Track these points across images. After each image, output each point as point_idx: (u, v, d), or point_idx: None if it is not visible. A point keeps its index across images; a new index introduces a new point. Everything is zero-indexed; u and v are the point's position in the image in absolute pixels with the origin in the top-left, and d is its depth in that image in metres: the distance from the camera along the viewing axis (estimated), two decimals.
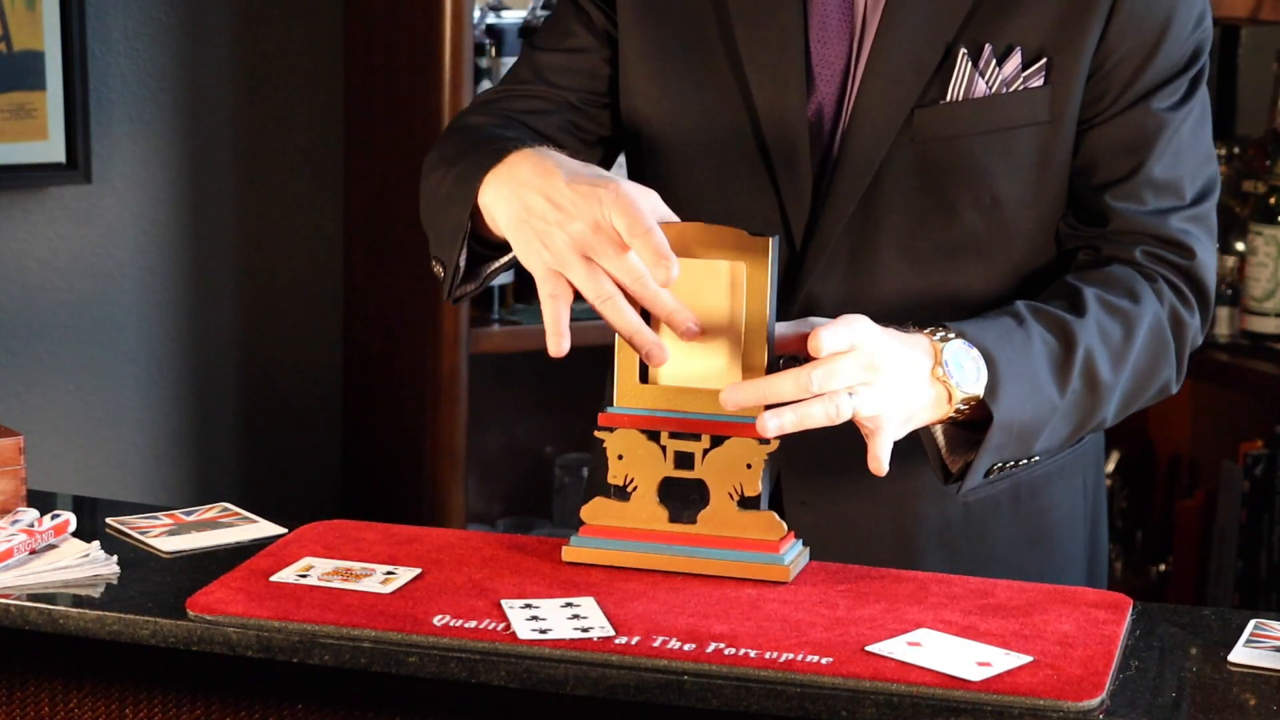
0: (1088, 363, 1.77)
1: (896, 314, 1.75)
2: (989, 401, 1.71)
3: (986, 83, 1.82)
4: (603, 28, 1.96)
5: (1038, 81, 1.83)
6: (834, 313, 1.82)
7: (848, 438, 1.81)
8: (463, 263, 1.85)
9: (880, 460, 1.67)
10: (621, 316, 1.69)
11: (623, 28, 1.94)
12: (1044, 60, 1.82)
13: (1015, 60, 1.82)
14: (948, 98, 1.83)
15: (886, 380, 1.66)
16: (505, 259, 1.87)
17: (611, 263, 1.68)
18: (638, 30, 1.93)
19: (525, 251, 1.73)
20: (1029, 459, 1.80)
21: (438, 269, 1.89)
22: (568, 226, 1.69)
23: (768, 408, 1.66)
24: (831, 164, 1.86)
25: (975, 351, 1.71)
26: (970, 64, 1.82)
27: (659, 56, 1.92)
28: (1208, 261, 1.88)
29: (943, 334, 1.71)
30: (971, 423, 1.74)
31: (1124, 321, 1.80)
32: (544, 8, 3.19)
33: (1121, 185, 1.85)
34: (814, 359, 1.65)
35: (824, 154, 1.87)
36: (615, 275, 1.68)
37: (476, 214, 1.80)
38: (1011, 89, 1.82)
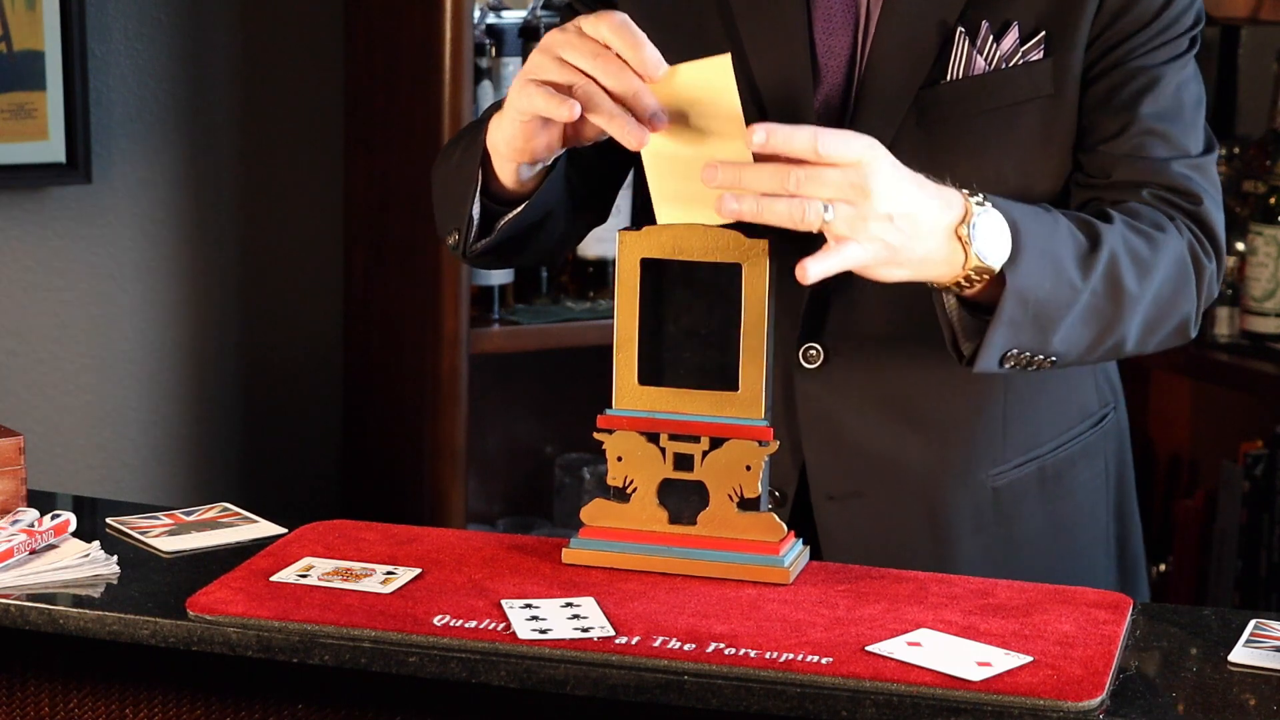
0: (1112, 264, 1.76)
1: (910, 290, 1.75)
2: (1006, 268, 1.69)
3: (985, 59, 1.83)
4: None
5: (1037, 55, 1.83)
6: (848, 296, 1.85)
7: (870, 428, 1.82)
8: (476, 214, 1.85)
9: (810, 269, 1.63)
10: (594, 97, 1.68)
11: None
12: (1042, 34, 1.83)
13: (1013, 35, 1.83)
14: (947, 77, 1.84)
15: (872, 209, 1.63)
16: (517, 210, 1.86)
17: (577, 54, 1.67)
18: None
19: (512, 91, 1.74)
20: (1048, 359, 1.77)
21: (452, 238, 1.89)
22: (545, 49, 1.70)
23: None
24: None
25: (1006, 228, 1.69)
26: (968, 42, 1.83)
27: (667, 59, 1.92)
28: (1214, 211, 1.87)
29: (979, 199, 1.69)
30: (990, 307, 1.72)
31: (1149, 240, 1.80)
32: (544, 8, 3.19)
33: (1120, 138, 1.85)
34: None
35: None
36: (582, 64, 1.68)
37: (488, 168, 1.81)
38: (1011, 64, 1.83)
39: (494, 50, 3.16)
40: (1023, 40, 1.83)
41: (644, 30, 1.93)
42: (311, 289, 3.39)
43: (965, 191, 1.70)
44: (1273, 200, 3.26)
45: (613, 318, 1.75)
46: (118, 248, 3.23)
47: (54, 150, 3.11)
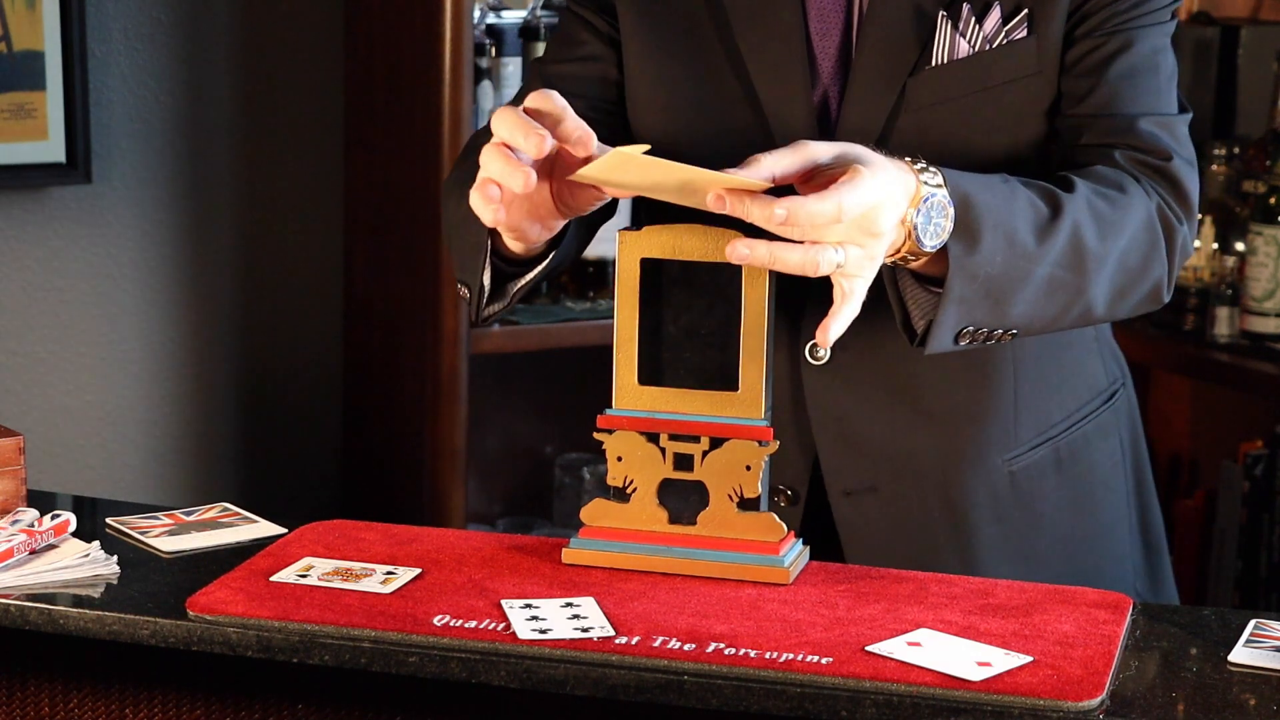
0: (1074, 230, 1.74)
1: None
2: (955, 246, 1.68)
3: (969, 42, 1.83)
4: (608, 34, 1.96)
5: (1021, 33, 1.83)
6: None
7: (880, 420, 1.81)
8: (487, 281, 1.83)
9: (831, 333, 1.64)
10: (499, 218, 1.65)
11: (624, 35, 1.94)
12: (1025, 12, 1.83)
13: (995, 16, 1.83)
14: (932, 62, 1.84)
15: (880, 244, 1.62)
16: (532, 274, 1.84)
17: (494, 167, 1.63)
18: (638, 36, 1.93)
19: None
20: (1008, 332, 1.76)
21: (463, 291, 1.86)
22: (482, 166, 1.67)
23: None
24: None
25: (952, 211, 1.68)
26: (950, 25, 1.83)
27: (661, 60, 1.92)
28: (1185, 169, 1.85)
29: (929, 176, 1.67)
30: (941, 280, 1.71)
31: (1113, 203, 1.78)
32: (544, 8, 3.19)
33: (1090, 97, 1.84)
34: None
35: (829, 139, 1.87)
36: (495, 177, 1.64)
37: (495, 232, 1.79)
38: (995, 44, 1.83)
39: (494, 50, 3.16)
40: (1005, 20, 1.83)
41: (637, 34, 1.93)
42: (311, 289, 3.39)
43: (918, 167, 1.67)
44: (1273, 200, 3.26)
45: (613, 318, 1.75)
46: (118, 248, 3.24)
47: (54, 150, 3.11)
